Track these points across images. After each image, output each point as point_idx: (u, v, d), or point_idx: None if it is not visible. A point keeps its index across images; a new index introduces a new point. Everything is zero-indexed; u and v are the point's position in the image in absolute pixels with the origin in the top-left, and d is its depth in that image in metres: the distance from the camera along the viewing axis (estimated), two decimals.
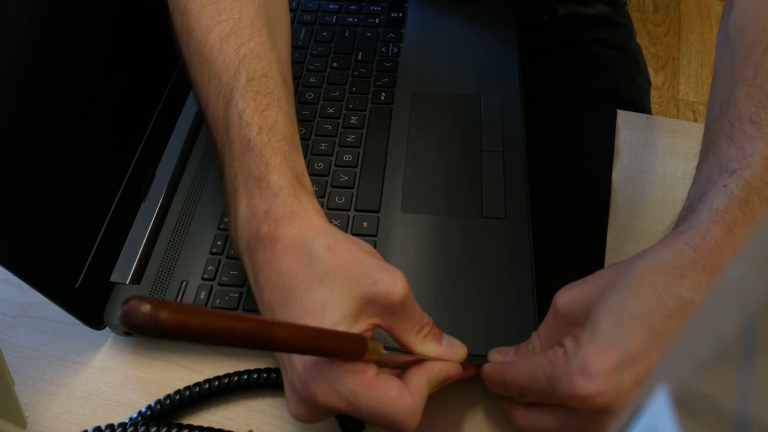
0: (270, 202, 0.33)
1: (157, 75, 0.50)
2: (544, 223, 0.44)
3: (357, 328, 0.30)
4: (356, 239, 0.33)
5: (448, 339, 0.34)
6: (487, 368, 0.34)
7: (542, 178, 0.44)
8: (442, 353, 0.33)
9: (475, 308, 0.39)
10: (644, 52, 0.74)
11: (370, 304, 0.30)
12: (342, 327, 0.29)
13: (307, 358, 0.29)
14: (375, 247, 0.42)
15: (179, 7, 0.41)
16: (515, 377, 0.32)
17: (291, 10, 0.59)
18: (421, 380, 0.31)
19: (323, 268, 0.30)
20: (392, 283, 0.30)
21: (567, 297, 0.32)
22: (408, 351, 0.32)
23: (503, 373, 0.33)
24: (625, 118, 0.53)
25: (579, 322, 0.30)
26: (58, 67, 0.39)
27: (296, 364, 0.30)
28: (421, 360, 0.32)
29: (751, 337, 0.11)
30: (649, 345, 0.27)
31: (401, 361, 0.33)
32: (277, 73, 0.38)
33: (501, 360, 0.34)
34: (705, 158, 0.34)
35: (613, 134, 0.51)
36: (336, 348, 0.28)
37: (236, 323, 0.23)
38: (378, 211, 0.44)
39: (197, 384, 0.38)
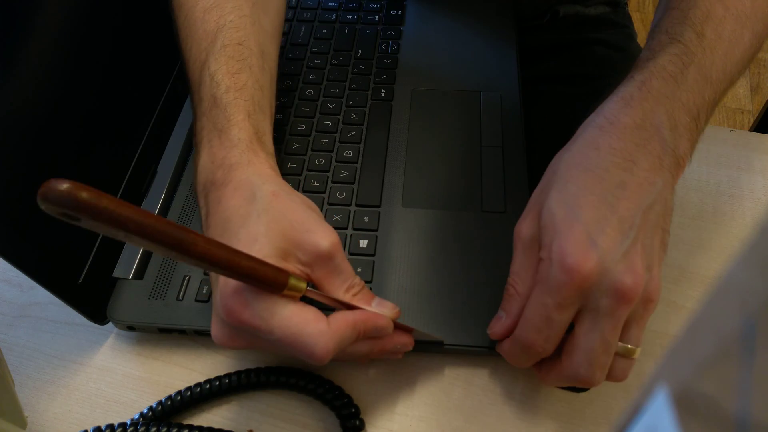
0: (227, 151, 0.35)
1: (158, 73, 0.50)
2: None
3: (285, 267, 0.30)
4: (303, 196, 0.34)
5: (379, 300, 0.34)
6: (504, 344, 0.35)
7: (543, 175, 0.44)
8: (371, 311, 0.33)
9: (476, 301, 0.39)
10: None
11: (299, 249, 0.31)
12: (270, 261, 0.30)
13: (232, 280, 0.30)
14: (376, 241, 0.42)
15: None
16: (530, 322, 0.32)
17: (291, 8, 0.59)
18: (345, 318, 0.31)
19: (263, 206, 0.32)
20: (322, 235, 0.31)
21: (527, 225, 0.34)
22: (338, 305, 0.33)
23: (522, 331, 0.33)
24: None
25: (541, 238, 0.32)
26: (61, 64, 0.39)
27: (220, 282, 0.31)
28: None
29: (751, 337, 0.11)
30: (600, 206, 0.30)
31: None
32: (254, 44, 0.40)
33: (505, 324, 0.34)
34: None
35: None
36: (252, 267, 0.28)
37: (154, 220, 0.24)
38: (379, 206, 0.44)
39: (197, 384, 0.38)
